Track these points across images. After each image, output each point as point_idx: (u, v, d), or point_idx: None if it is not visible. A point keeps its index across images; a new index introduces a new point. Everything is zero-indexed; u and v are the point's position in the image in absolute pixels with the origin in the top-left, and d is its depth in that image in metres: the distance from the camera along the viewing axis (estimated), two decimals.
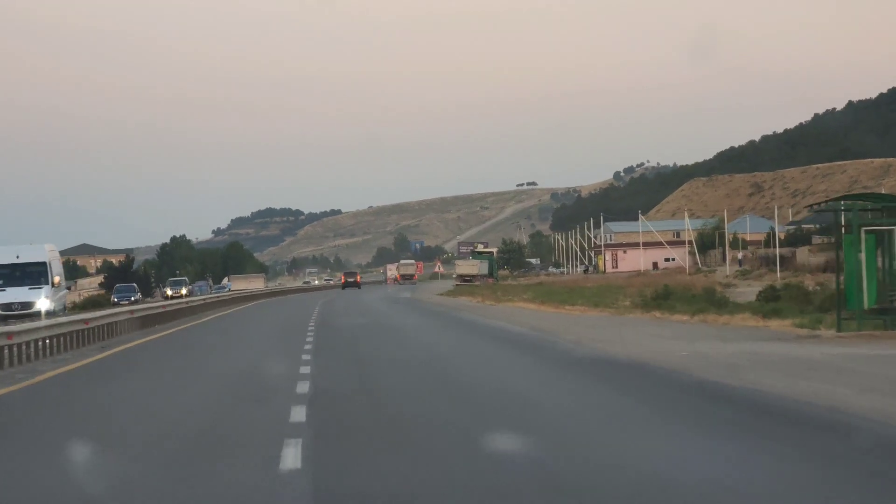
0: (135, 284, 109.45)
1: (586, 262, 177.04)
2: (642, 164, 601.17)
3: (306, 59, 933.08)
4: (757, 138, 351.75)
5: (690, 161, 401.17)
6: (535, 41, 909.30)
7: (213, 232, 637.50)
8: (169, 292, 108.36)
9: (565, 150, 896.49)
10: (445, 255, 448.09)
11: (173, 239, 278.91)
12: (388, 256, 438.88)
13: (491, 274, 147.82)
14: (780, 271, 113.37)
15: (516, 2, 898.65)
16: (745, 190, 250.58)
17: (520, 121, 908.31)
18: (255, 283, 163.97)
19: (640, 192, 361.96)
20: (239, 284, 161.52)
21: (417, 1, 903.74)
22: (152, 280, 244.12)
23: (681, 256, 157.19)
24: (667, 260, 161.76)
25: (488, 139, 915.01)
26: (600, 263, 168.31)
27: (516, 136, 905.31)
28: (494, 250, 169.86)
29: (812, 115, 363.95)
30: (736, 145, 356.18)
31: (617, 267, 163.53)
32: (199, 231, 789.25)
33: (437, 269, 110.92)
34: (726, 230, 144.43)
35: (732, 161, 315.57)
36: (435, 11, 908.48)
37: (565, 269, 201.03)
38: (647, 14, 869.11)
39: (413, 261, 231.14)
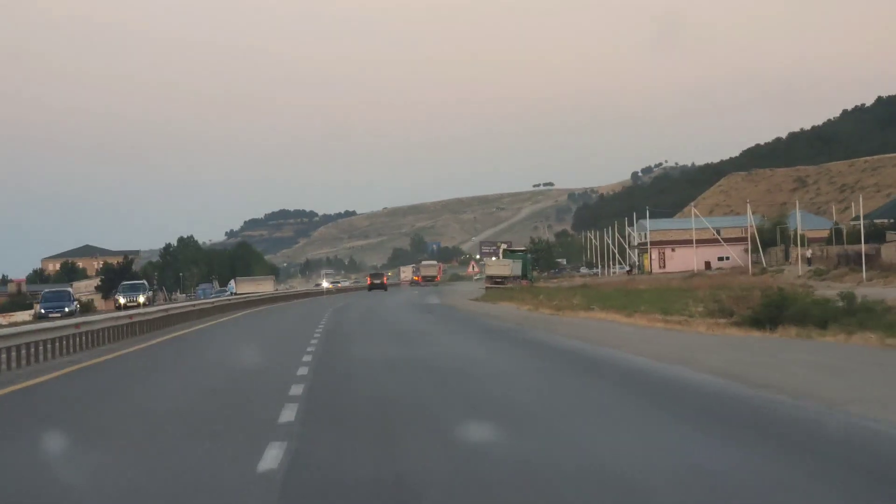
0: (69, 290, 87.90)
1: (629, 262, 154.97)
2: (661, 164, 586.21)
3: (319, 58, 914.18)
4: (784, 135, 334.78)
5: (711, 160, 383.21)
6: (552, 41, 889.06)
7: (226, 234, 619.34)
8: (122, 301, 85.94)
9: (581, 150, 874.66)
10: (464, 256, 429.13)
11: (180, 240, 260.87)
12: (404, 257, 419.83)
13: (525, 275, 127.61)
14: (866, 270, 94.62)
15: (531, 0, 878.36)
16: (787, 185, 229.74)
17: (535, 121, 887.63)
18: (264, 286, 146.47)
19: (665, 189, 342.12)
20: (245, 287, 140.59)
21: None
22: (154, 283, 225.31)
23: (736, 255, 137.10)
24: (721, 259, 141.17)
25: (504, 139, 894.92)
26: (646, 263, 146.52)
27: (532, 137, 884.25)
28: (521, 248, 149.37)
29: (840, 112, 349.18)
30: (762, 142, 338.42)
31: (664, 267, 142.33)
32: (212, 233, 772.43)
33: (473, 270, 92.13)
34: (798, 225, 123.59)
35: (763, 157, 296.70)
36: (450, 10, 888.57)
37: (599, 270, 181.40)
38: (662, 16, 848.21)
39: (435, 262, 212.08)
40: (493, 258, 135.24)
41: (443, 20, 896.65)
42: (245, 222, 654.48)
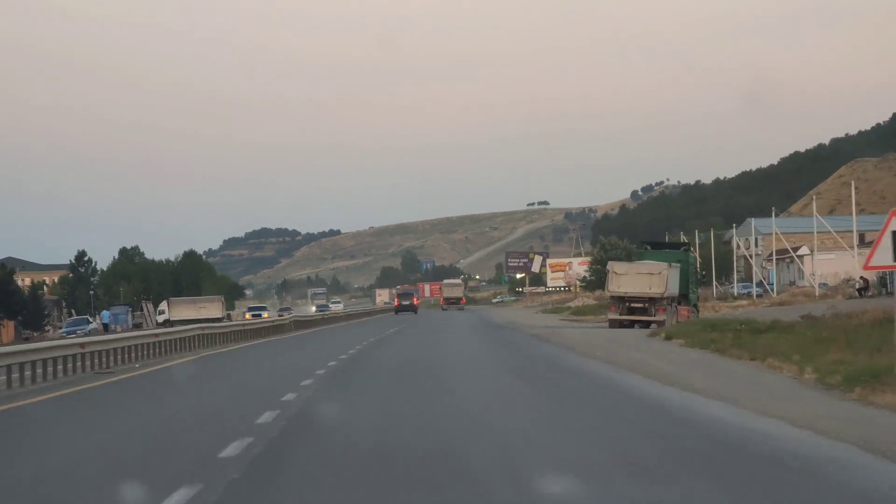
0: None
1: (860, 279, 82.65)
2: (661, 182, 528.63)
3: (303, 73, 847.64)
4: (806, 148, 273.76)
5: (707, 179, 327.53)
6: (546, 57, 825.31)
7: (205, 253, 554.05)
8: None
9: (577, 169, 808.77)
10: (463, 276, 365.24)
11: (122, 251, 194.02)
12: (395, 278, 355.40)
13: (686, 296, 60.51)
14: None
15: (523, 17, 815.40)
16: None
17: (529, 138, 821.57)
18: (208, 310, 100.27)
19: (703, 199, 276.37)
20: (182, 311, 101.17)
21: (420, 12, 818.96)
22: (63, 306, 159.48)
23: None
24: None
25: (496, 157, 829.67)
26: None
27: (526, 154, 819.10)
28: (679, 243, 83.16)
29: (874, 125, 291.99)
30: (765, 164, 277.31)
31: None
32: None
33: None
34: None
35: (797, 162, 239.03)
36: (439, 24, 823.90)
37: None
38: (657, 33, 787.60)
39: (459, 280, 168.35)
40: (621, 262, 67.60)
41: (430, 36, 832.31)
42: (225, 241, 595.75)
